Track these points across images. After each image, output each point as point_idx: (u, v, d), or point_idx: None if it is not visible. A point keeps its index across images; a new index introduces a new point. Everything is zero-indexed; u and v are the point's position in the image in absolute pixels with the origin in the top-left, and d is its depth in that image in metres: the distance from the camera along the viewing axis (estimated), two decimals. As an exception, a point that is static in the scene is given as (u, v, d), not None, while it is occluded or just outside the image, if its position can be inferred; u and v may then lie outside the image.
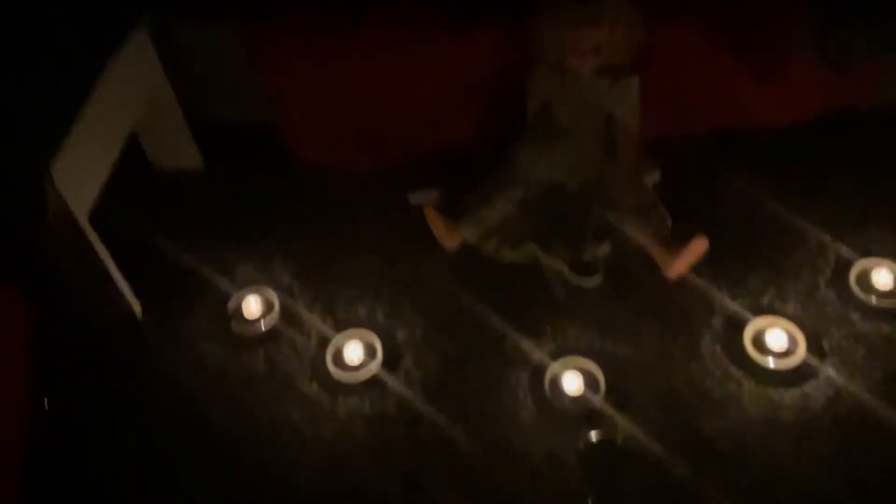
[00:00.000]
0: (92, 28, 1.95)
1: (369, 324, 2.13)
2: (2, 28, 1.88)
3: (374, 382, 2.00)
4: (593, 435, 1.83)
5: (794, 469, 1.77)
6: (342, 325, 2.14)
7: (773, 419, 1.85)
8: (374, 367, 2.01)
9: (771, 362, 1.93)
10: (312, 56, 2.34)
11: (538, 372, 1.98)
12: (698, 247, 2.09)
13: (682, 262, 2.10)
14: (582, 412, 1.89)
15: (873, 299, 2.02)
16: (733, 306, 2.07)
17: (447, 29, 2.28)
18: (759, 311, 2.05)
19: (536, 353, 2.02)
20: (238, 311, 2.18)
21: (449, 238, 2.26)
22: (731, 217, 2.26)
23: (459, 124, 2.46)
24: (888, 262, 2.08)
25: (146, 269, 2.25)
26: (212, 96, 2.53)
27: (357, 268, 2.27)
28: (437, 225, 2.27)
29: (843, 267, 2.10)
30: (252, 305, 2.18)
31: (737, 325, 2.02)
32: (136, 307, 2.18)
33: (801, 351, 1.94)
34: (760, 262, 2.15)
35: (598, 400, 1.90)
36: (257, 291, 2.21)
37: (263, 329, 2.15)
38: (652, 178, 2.29)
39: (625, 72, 2.15)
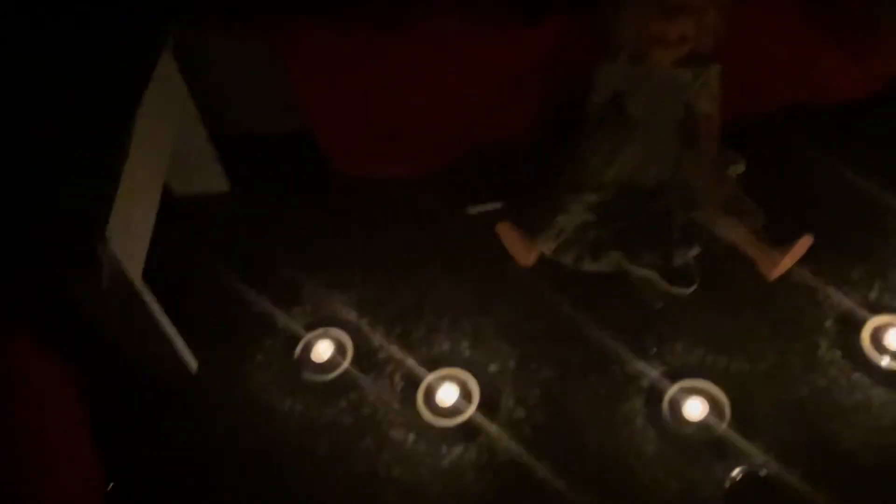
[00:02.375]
0: (116, 69, 1.68)
1: (455, 358, 1.96)
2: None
3: (473, 426, 1.83)
4: (736, 471, 1.69)
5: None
6: (425, 361, 1.95)
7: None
8: (471, 409, 1.84)
9: (884, 360, 1.83)
10: (347, 59, 2.10)
11: (653, 397, 1.84)
12: (803, 245, 1.95)
13: (786, 262, 1.97)
14: (708, 440, 1.76)
15: None
16: (844, 304, 1.94)
17: (501, 19, 2.06)
18: (870, 306, 1.92)
19: (646, 376, 1.88)
20: (307, 357, 1.97)
21: (526, 253, 2.08)
22: (821, 202, 2.12)
23: (511, 122, 2.26)
24: None
25: (197, 316, 2.02)
26: (236, 111, 2.27)
27: (427, 293, 2.08)
28: (513, 241, 2.08)
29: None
30: (322, 350, 1.97)
31: (853, 326, 1.89)
32: (192, 363, 1.95)
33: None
34: (862, 251, 2.02)
35: (723, 426, 1.76)
36: (325, 333, 2.00)
37: (337, 374, 1.94)
38: (736, 169, 2.13)
39: (706, 59, 1.98)
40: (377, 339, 2.01)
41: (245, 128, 2.31)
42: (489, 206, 2.22)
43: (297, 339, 2.01)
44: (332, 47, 2.07)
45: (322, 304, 2.08)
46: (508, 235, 2.09)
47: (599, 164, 2.07)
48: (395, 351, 1.98)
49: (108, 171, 1.54)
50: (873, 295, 1.96)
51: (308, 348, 1.99)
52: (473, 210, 2.22)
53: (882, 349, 1.86)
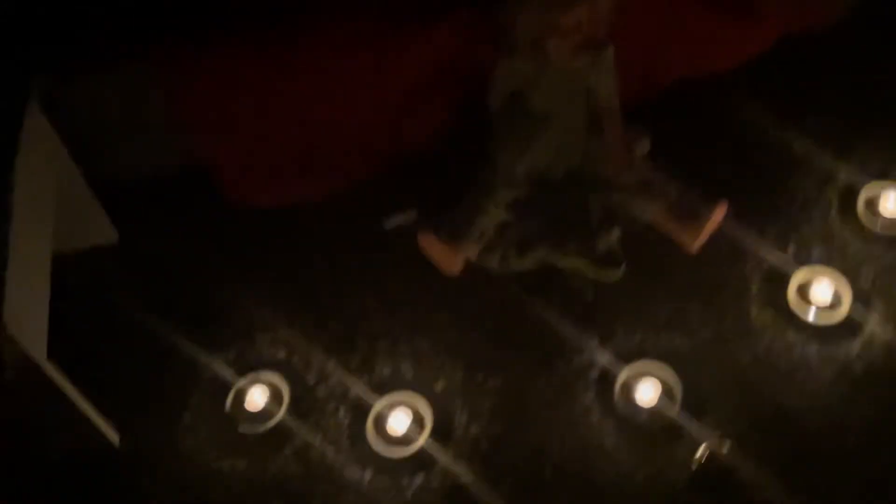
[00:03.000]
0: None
1: (399, 382, 1.88)
2: None
3: (430, 452, 1.76)
4: (700, 450, 1.69)
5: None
6: (368, 391, 1.87)
7: (847, 375, 1.81)
8: (425, 433, 1.77)
9: (813, 315, 1.90)
10: (239, 84, 1.97)
11: (604, 388, 1.83)
12: (718, 213, 1.99)
13: (704, 233, 2.00)
14: (664, 424, 1.76)
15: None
16: (765, 264, 1.99)
17: (394, 24, 1.99)
18: (790, 263, 1.98)
19: (593, 367, 1.86)
20: (240, 407, 1.84)
21: (452, 262, 2.02)
22: (726, 167, 2.16)
23: (417, 130, 2.18)
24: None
25: (109, 382, 1.84)
26: (113, 156, 2.08)
27: (356, 320, 1.98)
28: (438, 251, 2.01)
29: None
30: (256, 397, 1.84)
31: (778, 284, 1.95)
32: (114, 436, 1.78)
33: (847, 299, 1.89)
34: (773, 210, 2.08)
35: (676, 408, 1.77)
36: (256, 379, 1.87)
37: (277, 421, 1.82)
38: (642, 147, 2.14)
39: (598, 44, 1.96)
40: (312, 376, 1.90)
41: (124, 173, 2.12)
42: (404, 219, 2.14)
43: (225, 391, 1.87)
44: (223, 73, 1.93)
45: (246, 349, 1.95)
46: (432, 246, 2.02)
47: (509, 162, 2.03)
48: (334, 385, 1.89)
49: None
50: (791, 250, 2.01)
51: (240, 398, 1.85)
52: (389, 225, 2.14)
53: (809, 303, 1.91)
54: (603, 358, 1.87)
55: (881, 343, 1.85)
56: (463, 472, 1.73)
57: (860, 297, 1.90)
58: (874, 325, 1.87)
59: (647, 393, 1.79)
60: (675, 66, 2.27)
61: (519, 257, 2.04)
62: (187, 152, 2.10)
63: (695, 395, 1.79)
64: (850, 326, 1.87)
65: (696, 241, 2.00)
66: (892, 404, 1.77)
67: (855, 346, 1.85)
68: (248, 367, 1.90)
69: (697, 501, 1.66)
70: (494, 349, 1.92)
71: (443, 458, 1.75)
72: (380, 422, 1.80)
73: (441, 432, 1.78)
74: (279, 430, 1.80)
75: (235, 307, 2.01)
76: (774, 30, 2.28)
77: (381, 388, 1.85)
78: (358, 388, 1.87)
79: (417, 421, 1.79)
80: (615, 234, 2.04)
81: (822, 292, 1.91)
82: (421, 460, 1.75)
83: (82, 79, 1.86)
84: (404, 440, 1.77)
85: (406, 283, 2.04)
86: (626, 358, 1.86)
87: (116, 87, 1.91)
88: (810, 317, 1.90)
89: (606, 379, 1.83)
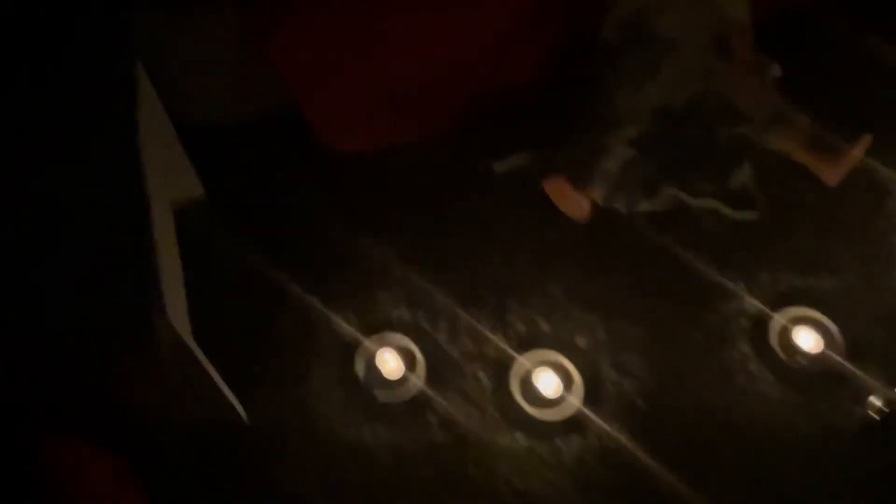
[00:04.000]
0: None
1: (537, 340, 1.76)
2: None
3: (584, 412, 1.66)
4: (871, 398, 1.61)
5: None
6: (506, 351, 1.74)
7: None
8: (577, 393, 1.67)
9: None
10: (335, 21, 1.77)
11: (758, 337, 1.73)
12: (861, 146, 1.86)
13: (846, 166, 1.87)
14: (828, 371, 1.67)
15: None
16: None
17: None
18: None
19: (743, 315, 1.76)
20: (373, 373, 1.72)
21: (579, 206, 1.89)
22: (856, 94, 2.02)
23: (523, 61, 2.00)
24: None
25: (229, 353, 1.70)
26: (204, 102, 1.88)
27: (479, 274, 1.85)
28: (565, 196, 1.88)
29: None
30: (389, 362, 1.72)
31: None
32: (243, 413, 1.66)
33: None
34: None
35: (839, 355, 1.68)
36: (383, 341, 1.75)
37: (416, 387, 1.70)
38: (773, 72, 1.98)
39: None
40: (442, 335, 1.77)
41: (212, 120, 1.93)
42: (517, 162, 1.98)
43: (351, 356, 1.74)
44: (319, 13, 1.73)
45: (368, 309, 1.81)
46: (559, 191, 1.88)
47: (631, 95, 1.87)
48: (467, 345, 1.76)
49: (139, 231, 1.19)
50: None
51: (371, 363, 1.72)
52: (501, 168, 1.98)
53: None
54: (751, 304, 1.77)
55: None
56: (620, 433, 1.64)
57: None
58: None
59: (807, 340, 1.70)
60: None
61: (647, 198, 1.91)
62: (278, 97, 1.91)
63: (853, 338, 1.70)
64: None
65: (837, 175, 1.88)
66: None
67: None
68: (372, 327, 1.77)
69: (873, 453, 1.58)
70: (631, 297, 1.81)
71: (597, 418, 1.65)
72: (525, 383, 1.69)
73: (592, 391, 1.68)
74: (419, 397, 1.69)
75: (347, 261, 1.86)
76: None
77: (520, 347, 1.75)
78: (494, 348, 1.75)
79: (565, 380, 1.69)
80: (747, 169, 1.91)
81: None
82: (574, 421, 1.66)
83: (176, 20, 1.64)
84: (553, 401, 1.67)
85: (525, 230, 1.91)
86: (775, 303, 1.77)
87: (207, 29, 1.70)
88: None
89: (759, 326, 1.74)
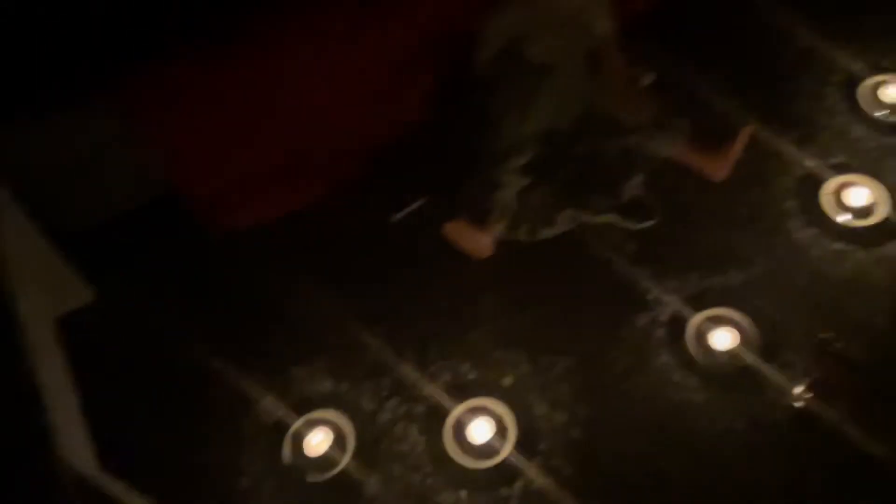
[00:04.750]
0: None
1: (469, 387, 1.73)
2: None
3: (520, 455, 1.63)
4: (799, 388, 1.64)
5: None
6: (436, 404, 1.70)
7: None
8: (511, 438, 1.64)
9: (850, 219, 1.88)
10: (209, 93, 1.71)
11: (676, 342, 1.74)
12: (743, 138, 1.91)
13: (730, 159, 1.92)
14: (744, 366, 1.70)
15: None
16: (798, 170, 1.96)
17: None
18: (826, 167, 1.94)
19: (658, 325, 1.77)
20: (302, 456, 1.65)
21: (481, 244, 1.87)
22: (728, 82, 2.06)
23: (406, 105, 1.98)
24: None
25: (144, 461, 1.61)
26: (76, 202, 1.79)
27: (396, 324, 1.81)
28: (464, 235, 1.87)
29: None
30: (316, 440, 1.67)
31: (811, 195, 1.91)
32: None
33: (881, 199, 1.87)
34: (788, 121, 2.01)
35: (755, 347, 1.71)
36: (310, 420, 1.69)
37: (348, 459, 1.65)
38: (646, 80, 2.02)
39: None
40: (368, 401, 1.73)
41: (89, 220, 1.84)
42: (414, 209, 1.95)
43: (279, 441, 1.67)
44: (190, 90, 1.67)
45: (287, 389, 1.75)
46: (459, 233, 1.87)
47: (516, 124, 1.87)
48: (395, 407, 1.72)
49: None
50: (813, 159, 1.96)
51: (298, 446, 1.66)
52: (399, 218, 1.95)
53: (842, 207, 1.88)
54: (665, 312, 1.79)
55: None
56: (562, 467, 1.62)
57: (894, 196, 1.88)
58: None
59: (722, 339, 1.72)
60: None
61: (548, 224, 1.91)
62: (156, 185, 1.83)
63: (768, 329, 1.73)
64: (886, 227, 1.86)
65: (723, 171, 1.93)
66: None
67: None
68: (295, 407, 1.71)
69: (804, 440, 1.61)
70: (549, 328, 1.80)
71: (537, 458, 1.63)
72: (459, 434, 1.65)
73: (527, 431, 1.66)
74: (353, 471, 1.63)
75: (258, 340, 1.80)
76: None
77: (449, 398, 1.71)
78: (423, 404, 1.71)
79: (498, 425, 1.66)
80: (637, 179, 1.93)
81: (856, 197, 1.88)
82: (514, 467, 1.62)
83: (30, 123, 1.55)
84: (490, 449, 1.63)
85: (435, 277, 1.88)
86: (688, 307, 1.79)
87: (69, 127, 1.61)
88: (839, 218, 1.87)
89: (675, 333, 1.75)
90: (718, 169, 1.93)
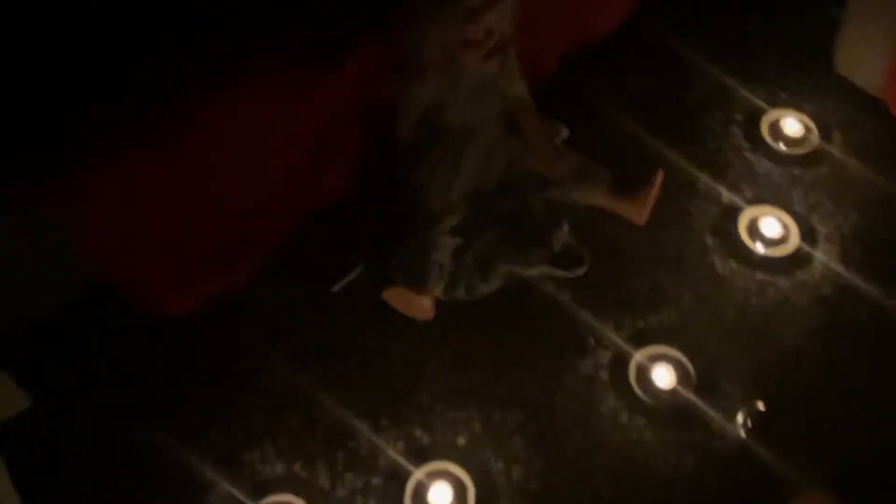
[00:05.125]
0: None
1: (423, 452, 1.74)
2: None
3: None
4: (741, 416, 1.71)
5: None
6: (391, 474, 1.71)
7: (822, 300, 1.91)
8: (470, 499, 1.65)
9: (767, 249, 1.99)
10: (136, 181, 1.69)
11: (621, 387, 1.80)
12: (658, 181, 2.01)
13: (649, 202, 2.01)
14: (686, 402, 1.77)
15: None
16: (714, 208, 2.07)
17: (294, 71, 1.79)
18: (743, 201, 2.07)
19: (601, 367, 1.83)
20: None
21: (421, 306, 1.90)
22: (638, 125, 2.18)
23: (333, 179, 2.01)
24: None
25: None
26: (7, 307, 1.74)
27: (347, 400, 1.82)
28: (403, 300, 1.90)
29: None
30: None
31: (731, 218, 2.04)
32: None
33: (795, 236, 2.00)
34: (696, 157, 2.14)
35: (693, 382, 1.78)
36: (266, 506, 1.66)
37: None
38: (562, 135, 2.11)
39: (506, 43, 1.89)
40: (324, 480, 1.72)
41: (17, 321, 1.79)
42: (352, 278, 1.97)
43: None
44: (113, 180, 1.65)
45: (239, 475, 1.72)
46: (398, 298, 1.89)
47: (443, 188, 1.93)
48: (352, 481, 1.71)
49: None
50: (726, 193, 2.08)
51: (258, 535, 1.63)
52: (338, 288, 1.96)
53: (759, 239, 2.00)
54: (605, 355, 1.84)
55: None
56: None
57: (803, 225, 2.00)
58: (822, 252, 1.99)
59: (662, 376, 1.78)
60: (558, 43, 2.25)
61: (484, 280, 1.95)
62: (86, 281, 1.80)
63: (704, 362, 1.81)
64: (801, 254, 1.98)
65: (644, 213, 2.02)
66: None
67: (814, 271, 1.95)
68: (250, 494, 1.68)
69: (752, 468, 1.67)
70: (497, 382, 1.83)
71: (502, 516, 1.64)
72: (420, 492, 1.66)
73: (485, 489, 1.67)
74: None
75: (205, 427, 1.76)
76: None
77: (405, 465, 1.71)
78: (380, 476, 1.71)
79: (457, 487, 1.67)
80: (565, 229, 2.01)
81: (769, 229, 1.99)
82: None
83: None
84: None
85: (380, 342, 1.89)
86: (629, 346, 1.84)
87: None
88: (757, 249, 1.99)
89: (618, 375, 1.81)
90: (639, 213, 2.01)
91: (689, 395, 1.76)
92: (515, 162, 2.01)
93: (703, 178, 2.11)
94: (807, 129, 2.17)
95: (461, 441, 1.75)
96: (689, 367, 1.80)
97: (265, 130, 1.80)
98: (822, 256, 1.97)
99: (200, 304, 1.90)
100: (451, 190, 1.92)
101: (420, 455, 1.72)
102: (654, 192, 2.00)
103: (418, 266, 1.90)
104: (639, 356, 1.82)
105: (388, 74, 1.84)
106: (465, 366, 1.85)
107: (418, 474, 1.69)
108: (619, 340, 1.86)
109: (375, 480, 1.70)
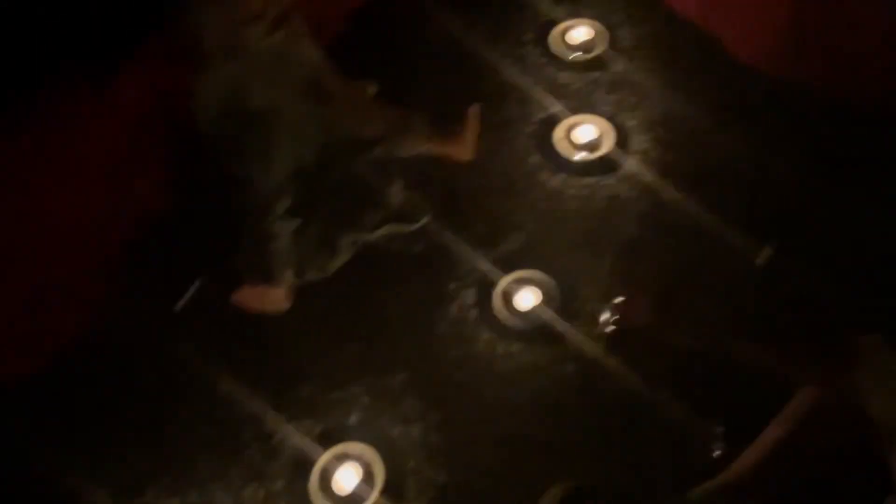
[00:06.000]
0: None
1: (321, 440, 1.68)
2: None
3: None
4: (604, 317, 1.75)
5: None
6: (296, 469, 1.66)
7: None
8: (378, 482, 1.63)
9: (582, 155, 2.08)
10: None
11: (485, 310, 1.82)
12: (475, 115, 2.03)
13: (473, 138, 2.03)
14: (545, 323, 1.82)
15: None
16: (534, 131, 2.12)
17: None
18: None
19: (467, 306, 1.84)
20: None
21: (276, 299, 1.84)
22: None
23: (146, 191, 1.88)
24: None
25: None
26: None
27: (225, 409, 1.74)
28: (258, 298, 1.83)
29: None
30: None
31: (547, 133, 2.11)
32: None
33: (608, 135, 2.09)
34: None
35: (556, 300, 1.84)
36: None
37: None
38: (371, 90, 2.08)
39: (289, 11, 1.82)
40: (224, 501, 1.63)
41: None
42: (193, 290, 1.86)
43: None
44: None
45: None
46: (251, 297, 1.82)
47: (262, 174, 1.84)
48: (254, 493, 1.64)
49: None
50: (551, 108, 2.15)
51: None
52: (182, 305, 1.85)
53: (577, 147, 2.08)
54: (469, 295, 1.86)
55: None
56: (434, 474, 1.63)
57: (613, 123, 2.10)
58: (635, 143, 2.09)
59: (526, 300, 1.84)
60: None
61: (332, 256, 1.91)
62: None
63: (560, 275, 1.87)
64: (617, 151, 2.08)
65: (468, 149, 2.04)
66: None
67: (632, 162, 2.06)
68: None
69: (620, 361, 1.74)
70: (375, 349, 1.82)
71: (409, 476, 1.63)
72: (325, 484, 1.61)
73: (391, 457, 1.65)
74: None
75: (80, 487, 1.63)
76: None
77: (303, 461, 1.66)
78: (278, 479, 1.65)
79: (363, 464, 1.64)
80: (398, 184, 1.99)
81: (584, 134, 2.08)
82: (395, 492, 1.62)
83: None
84: (361, 492, 1.61)
85: (245, 347, 1.82)
86: (488, 281, 1.87)
87: None
88: (587, 157, 2.07)
89: (485, 310, 1.84)
90: (464, 150, 2.03)
91: (553, 311, 1.81)
92: (331, 130, 1.95)
93: (514, 102, 2.16)
94: (595, 33, 2.25)
95: (353, 419, 1.72)
96: (550, 282, 1.85)
97: (46, 164, 1.64)
98: (637, 146, 2.07)
99: (37, 362, 1.74)
100: (272, 174, 1.84)
101: (317, 444, 1.67)
102: (474, 126, 2.02)
103: (262, 259, 1.83)
104: (500, 286, 1.85)
105: (180, 70, 1.72)
106: (337, 344, 1.82)
107: (320, 464, 1.64)
108: (476, 278, 1.88)
109: (277, 486, 1.64)
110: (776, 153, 1.98)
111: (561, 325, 1.80)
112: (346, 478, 1.63)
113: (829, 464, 1.37)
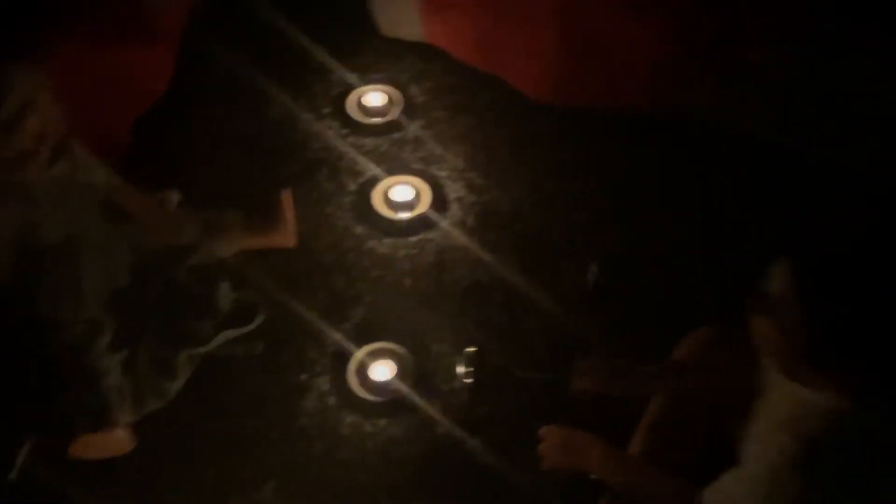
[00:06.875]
0: None
1: None
2: None
3: None
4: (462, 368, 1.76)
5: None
6: None
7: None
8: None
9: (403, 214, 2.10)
10: None
11: (351, 401, 1.79)
12: (287, 201, 2.01)
13: (290, 224, 2.01)
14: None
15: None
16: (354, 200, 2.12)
17: None
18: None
19: (332, 389, 1.81)
20: None
21: (117, 442, 1.73)
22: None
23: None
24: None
25: None
26: None
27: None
28: (95, 447, 1.72)
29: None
30: None
31: (364, 202, 2.12)
32: None
33: (424, 191, 2.13)
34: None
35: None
36: None
37: None
38: (173, 199, 2.00)
39: (67, 138, 1.73)
40: None
41: None
42: (22, 455, 1.70)
43: None
44: None
45: None
46: (89, 446, 1.70)
47: (73, 309, 1.72)
48: None
49: None
50: (362, 175, 2.15)
51: None
52: (16, 473, 1.68)
53: (393, 206, 2.10)
54: (323, 382, 1.83)
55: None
56: None
57: (425, 178, 2.14)
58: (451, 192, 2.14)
59: (382, 373, 1.81)
60: (125, 112, 2.13)
61: (170, 379, 1.81)
62: None
63: (409, 339, 1.86)
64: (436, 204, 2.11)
65: (290, 235, 2.01)
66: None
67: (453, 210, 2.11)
68: None
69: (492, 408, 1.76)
70: (240, 466, 1.72)
71: None
72: None
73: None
74: None
75: None
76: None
77: None
78: None
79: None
80: (224, 287, 1.92)
81: (401, 194, 2.11)
82: None
83: None
84: None
85: (102, 496, 1.67)
86: (338, 362, 1.84)
87: None
88: (409, 214, 2.10)
89: (342, 392, 1.80)
90: (285, 237, 2.00)
91: (410, 377, 1.79)
92: (140, 246, 1.86)
93: (325, 176, 2.16)
94: (388, 95, 2.29)
95: None
96: (400, 349, 1.84)
97: None
98: (453, 194, 2.12)
99: None
100: (86, 306, 1.72)
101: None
102: (289, 210, 1.99)
103: (93, 402, 1.70)
104: (352, 365, 1.82)
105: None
106: (196, 470, 1.71)
107: None
108: (326, 361, 1.84)
109: None
110: (577, 177, 2.10)
111: (421, 390, 1.79)
112: None
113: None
